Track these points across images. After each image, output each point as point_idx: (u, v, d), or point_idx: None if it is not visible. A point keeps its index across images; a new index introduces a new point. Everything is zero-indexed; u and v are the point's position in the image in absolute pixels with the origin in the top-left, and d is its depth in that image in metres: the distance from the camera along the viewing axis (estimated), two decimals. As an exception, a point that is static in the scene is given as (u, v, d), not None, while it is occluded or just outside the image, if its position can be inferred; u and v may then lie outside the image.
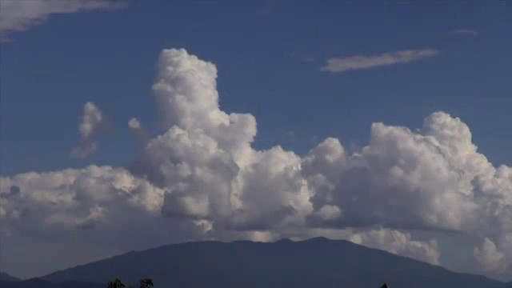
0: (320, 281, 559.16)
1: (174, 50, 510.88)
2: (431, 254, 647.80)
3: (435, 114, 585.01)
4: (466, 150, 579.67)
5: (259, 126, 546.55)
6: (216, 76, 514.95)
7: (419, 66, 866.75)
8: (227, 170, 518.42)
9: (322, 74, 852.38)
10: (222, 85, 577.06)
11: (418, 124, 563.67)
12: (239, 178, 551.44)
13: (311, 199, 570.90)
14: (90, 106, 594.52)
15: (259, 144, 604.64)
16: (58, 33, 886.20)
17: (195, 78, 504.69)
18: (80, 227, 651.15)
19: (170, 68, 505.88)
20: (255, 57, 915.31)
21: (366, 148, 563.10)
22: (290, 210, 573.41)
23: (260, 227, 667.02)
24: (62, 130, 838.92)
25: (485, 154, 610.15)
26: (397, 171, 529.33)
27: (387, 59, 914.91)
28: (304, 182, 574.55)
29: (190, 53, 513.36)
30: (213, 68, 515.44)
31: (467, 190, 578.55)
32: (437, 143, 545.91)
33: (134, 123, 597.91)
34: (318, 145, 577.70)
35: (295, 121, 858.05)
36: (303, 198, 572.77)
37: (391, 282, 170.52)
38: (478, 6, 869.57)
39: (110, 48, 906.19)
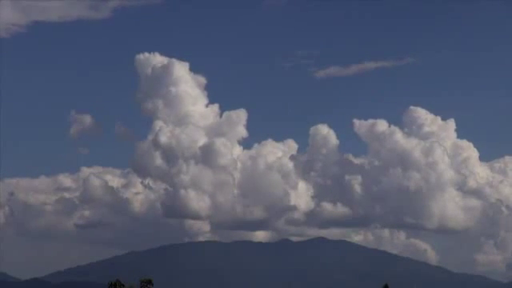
0: (320, 281, 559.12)
1: (159, 56, 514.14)
2: (431, 254, 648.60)
3: (419, 110, 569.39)
4: (460, 148, 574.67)
5: (253, 123, 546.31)
6: (205, 79, 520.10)
7: (401, 72, 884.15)
8: (226, 169, 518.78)
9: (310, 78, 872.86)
10: (213, 85, 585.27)
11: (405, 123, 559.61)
12: (237, 177, 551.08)
13: (311, 198, 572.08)
14: (78, 112, 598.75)
15: (255, 142, 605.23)
16: (40, 40, 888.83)
17: (183, 79, 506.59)
18: (80, 227, 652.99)
19: (156, 70, 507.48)
20: (244, 61, 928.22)
21: (361, 146, 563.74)
22: (290, 209, 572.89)
23: (260, 227, 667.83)
24: (53, 134, 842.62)
25: (480, 156, 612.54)
26: (391, 172, 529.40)
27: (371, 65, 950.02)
28: (302, 181, 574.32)
29: (179, 59, 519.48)
30: (201, 77, 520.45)
31: (466, 190, 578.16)
32: (427, 142, 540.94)
33: (119, 127, 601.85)
34: (313, 143, 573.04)
35: (290, 119, 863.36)
36: (302, 196, 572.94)
37: (391, 281, 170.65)
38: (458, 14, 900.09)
39: (92, 54, 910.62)
